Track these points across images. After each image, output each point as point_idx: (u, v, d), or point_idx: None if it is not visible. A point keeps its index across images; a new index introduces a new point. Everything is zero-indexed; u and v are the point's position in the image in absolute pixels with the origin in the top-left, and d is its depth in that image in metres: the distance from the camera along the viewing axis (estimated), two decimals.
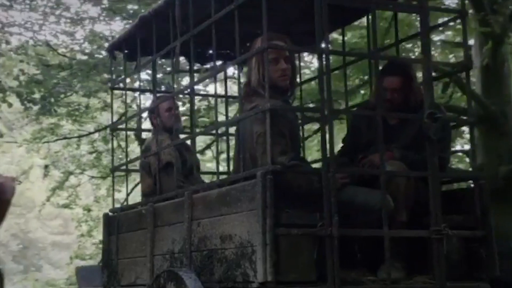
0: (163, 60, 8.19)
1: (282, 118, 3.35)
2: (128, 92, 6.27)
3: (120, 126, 5.95)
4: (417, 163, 3.64)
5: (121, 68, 6.31)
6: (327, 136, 3.27)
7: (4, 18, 10.47)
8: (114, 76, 6.30)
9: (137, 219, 4.63)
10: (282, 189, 3.26)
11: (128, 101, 8.44)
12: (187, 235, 3.87)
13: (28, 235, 28.11)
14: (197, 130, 7.08)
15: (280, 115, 3.35)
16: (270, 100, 3.37)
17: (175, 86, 5.15)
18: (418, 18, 3.90)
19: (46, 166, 12.98)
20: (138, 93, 6.87)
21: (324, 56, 3.31)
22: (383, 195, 3.36)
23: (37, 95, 9.82)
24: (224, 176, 4.26)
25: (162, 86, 9.13)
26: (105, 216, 5.12)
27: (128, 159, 5.28)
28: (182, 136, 5.17)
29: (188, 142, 4.86)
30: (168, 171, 4.58)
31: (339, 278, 3.18)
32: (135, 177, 7.71)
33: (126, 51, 5.01)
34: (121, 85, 5.62)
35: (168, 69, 9.25)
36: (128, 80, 5.81)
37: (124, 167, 5.40)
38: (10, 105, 10.27)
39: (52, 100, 9.77)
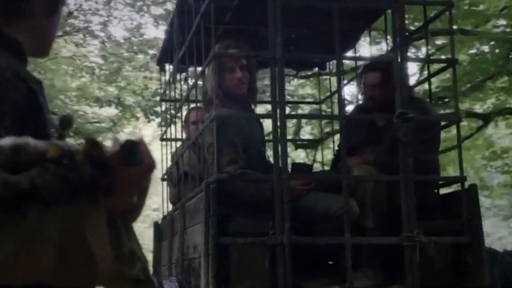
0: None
1: (232, 127, 3.31)
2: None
3: (168, 136, 6.09)
4: (392, 166, 3.45)
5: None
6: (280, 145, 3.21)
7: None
8: (164, 87, 6.42)
9: (165, 229, 4.81)
10: (233, 198, 3.22)
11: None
12: (180, 244, 3.93)
13: None
14: None
15: (229, 124, 3.31)
16: (222, 109, 3.36)
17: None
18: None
19: None
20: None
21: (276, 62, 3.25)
22: (345, 201, 3.22)
23: None
24: None
25: None
26: (155, 224, 5.33)
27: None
28: None
29: None
30: (186, 180, 4.68)
31: (291, 287, 3.09)
32: None
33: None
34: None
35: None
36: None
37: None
38: None
39: None
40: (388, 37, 4.33)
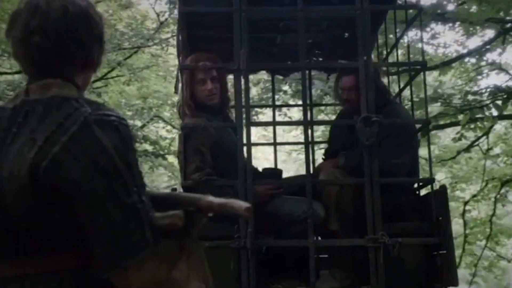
0: None
1: (200, 135, 3.45)
2: None
3: None
4: (360, 170, 3.51)
5: None
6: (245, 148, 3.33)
7: None
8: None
9: None
10: None
11: None
12: None
13: None
14: None
15: (197, 133, 3.45)
16: (192, 119, 3.50)
17: None
18: None
19: None
20: None
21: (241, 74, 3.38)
22: (308, 205, 3.31)
23: None
24: None
25: None
26: None
27: None
28: None
29: None
30: None
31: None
32: None
33: None
34: None
35: None
36: None
37: None
38: None
39: None
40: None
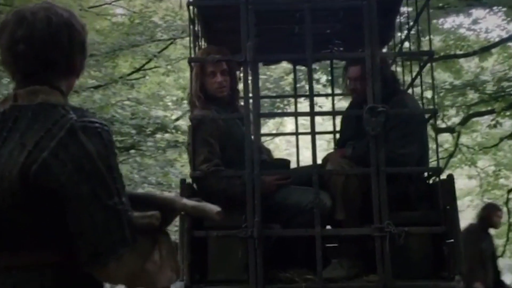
0: None
1: (208, 127, 3.51)
2: None
3: None
4: (367, 160, 3.54)
5: None
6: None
7: None
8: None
9: None
10: (207, 194, 3.44)
11: None
12: None
13: None
14: None
15: (205, 124, 3.51)
16: (201, 111, 3.57)
17: None
18: None
19: None
20: None
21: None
22: (315, 195, 3.36)
23: None
24: None
25: None
26: None
27: None
28: None
29: None
30: None
31: (262, 277, 3.27)
32: None
33: None
34: None
35: None
36: None
37: None
38: None
39: None
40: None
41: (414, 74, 3.97)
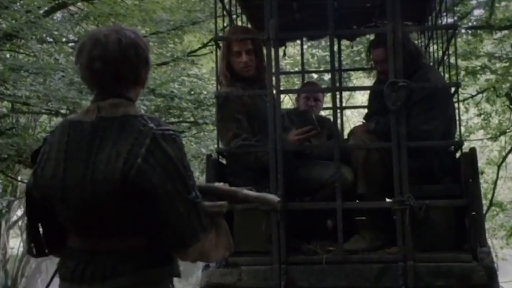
0: None
1: (234, 104, 3.61)
2: None
3: None
4: (389, 134, 3.58)
5: None
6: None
7: None
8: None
9: None
10: (235, 168, 3.55)
11: None
12: None
13: None
14: None
15: (232, 101, 3.61)
16: (227, 88, 3.67)
17: None
18: None
19: None
20: None
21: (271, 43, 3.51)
22: (336, 169, 3.43)
23: None
24: None
25: None
26: None
27: None
28: None
29: None
30: None
31: (285, 249, 3.38)
32: None
33: None
34: None
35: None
36: None
37: None
38: None
39: None
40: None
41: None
